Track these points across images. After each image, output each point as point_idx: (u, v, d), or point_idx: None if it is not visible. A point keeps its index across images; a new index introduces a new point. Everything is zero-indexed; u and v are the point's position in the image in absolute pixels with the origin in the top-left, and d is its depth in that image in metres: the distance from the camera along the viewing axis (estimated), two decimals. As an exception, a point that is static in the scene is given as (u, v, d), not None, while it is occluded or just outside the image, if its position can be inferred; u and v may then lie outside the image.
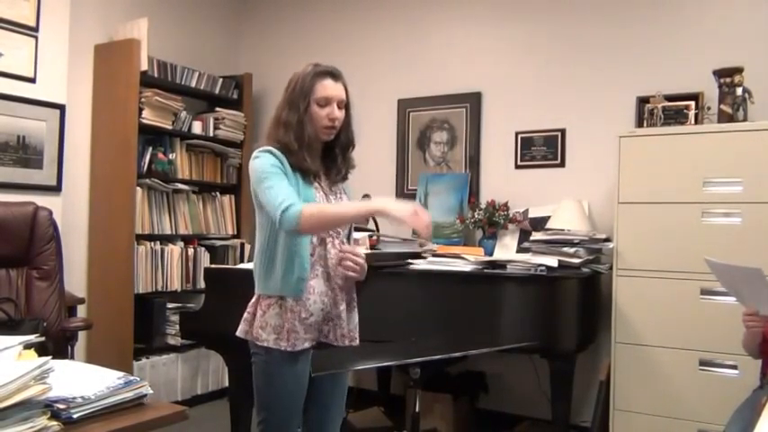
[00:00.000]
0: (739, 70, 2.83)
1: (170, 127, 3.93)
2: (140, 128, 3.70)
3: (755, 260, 2.10)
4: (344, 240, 1.94)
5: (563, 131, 3.55)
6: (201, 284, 3.67)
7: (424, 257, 3.13)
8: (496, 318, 2.75)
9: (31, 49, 3.24)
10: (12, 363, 1.30)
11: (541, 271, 2.76)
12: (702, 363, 2.74)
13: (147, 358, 3.76)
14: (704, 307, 2.73)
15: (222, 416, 3.23)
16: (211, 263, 4.11)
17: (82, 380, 1.46)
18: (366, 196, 3.52)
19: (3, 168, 3.17)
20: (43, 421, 1.27)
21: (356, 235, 2.15)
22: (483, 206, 3.55)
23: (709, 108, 2.99)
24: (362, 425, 3.48)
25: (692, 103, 3.02)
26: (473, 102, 3.81)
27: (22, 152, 3.25)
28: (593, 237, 3.03)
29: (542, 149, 3.60)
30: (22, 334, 1.64)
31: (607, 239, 3.06)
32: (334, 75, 1.90)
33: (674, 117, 3.00)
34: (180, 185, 4.00)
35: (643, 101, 3.16)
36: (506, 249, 3.46)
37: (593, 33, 3.49)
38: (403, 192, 4.01)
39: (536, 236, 3.10)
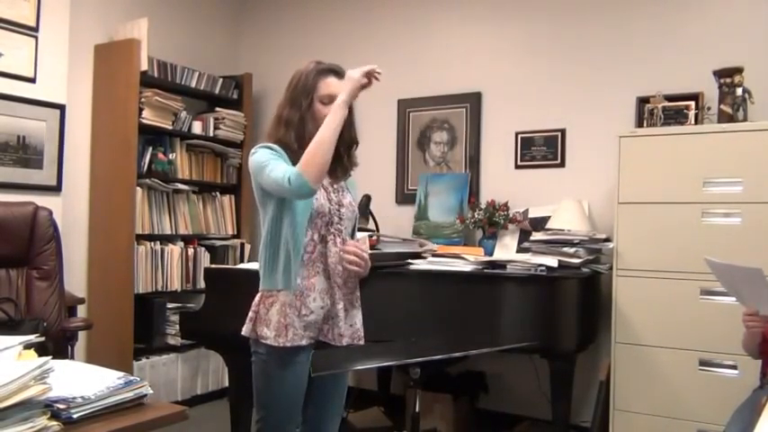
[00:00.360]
0: (739, 70, 2.83)
1: (170, 127, 3.93)
2: (140, 128, 3.70)
3: (755, 260, 2.10)
4: (347, 239, 1.93)
5: (563, 131, 3.55)
6: (201, 284, 3.67)
7: (424, 257, 3.13)
8: (496, 318, 2.75)
9: (31, 49, 3.24)
10: (12, 363, 1.30)
11: (541, 271, 2.76)
12: (702, 363, 2.74)
13: (147, 358, 3.76)
14: (704, 307, 2.73)
15: (222, 416, 3.23)
16: (211, 263, 4.11)
17: (82, 380, 1.46)
18: (366, 196, 3.53)
19: (3, 168, 3.17)
20: (43, 421, 1.27)
21: (357, 235, 2.14)
22: (483, 206, 3.55)
23: (709, 108, 2.99)
24: (362, 425, 3.48)
25: (692, 104, 3.02)
26: (473, 102, 3.81)
27: (22, 152, 3.26)
28: (593, 237, 3.03)
29: (542, 149, 3.60)
30: (22, 334, 1.64)
31: (607, 239, 3.06)
32: (338, 72, 1.89)
33: (674, 117, 3.00)
34: (180, 185, 4.00)
35: (643, 101, 3.16)
36: (506, 249, 3.46)
37: (594, 33, 3.49)
38: (403, 192, 4.01)
39: (536, 236, 3.10)
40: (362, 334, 1.96)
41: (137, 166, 3.69)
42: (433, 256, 3.11)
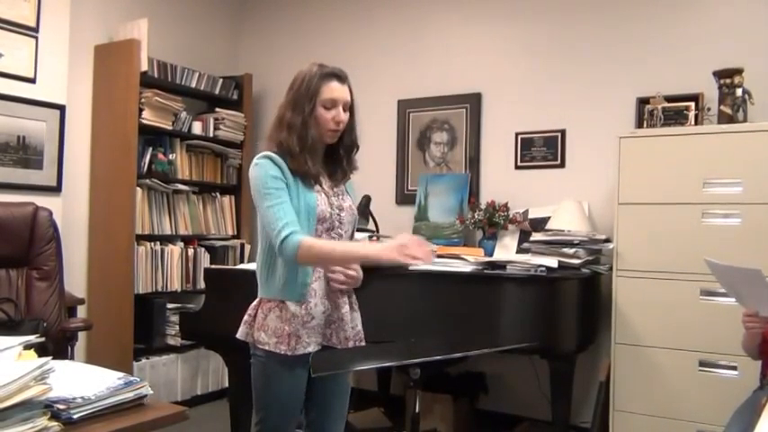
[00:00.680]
0: (739, 71, 2.83)
1: (170, 127, 3.93)
2: (140, 128, 3.70)
3: (755, 261, 2.11)
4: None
5: (563, 132, 3.55)
6: (201, 285, 3.67)
7: (424, 258, 3.12)
8: (496, 318, 2.75)
9: (31, 50, 3.24)
10: (12, 363, 1.30)
11: (541, 271, 2.76)
12: (702, 363, 2.74)
13: (147, 359, 3.76)
14: (704, 308, 2.73)
15: (222, 416, 3.23)
16: (211, 263, 4.11)
17: (82, 380, 1.46)
18: (366, 197, 3.53)
19: (3, 168, 3.17)
20: (43, 422, 1.27)
21: (356, 236, 2.14)
22: (483, 207, 3.55)
23: (709, 109, 2.99)
24: (362, 425, 3.48)
25: (692, 104, 3.02)
26: (473, 102, 3.81)
27: (22, 152, 3.26)
28: (592, 237, 3.03)
29: (542, 150, 3.60)
30: (22, 334, 1.64)
31: (607, 240, 3.06)
32: (341, 77, 1.87)
33: (674, 118, 3.00)
34: (180, 186, 4.00)
35: (643, 101, 3.16)
36: (506, 250, 3.46)
37: (593, 34, 3.49)
38: (403, 192, 4.01)
39: (536, 236, 3.10)
40: (363, 335, 1.96)
41: (137, 166, 3.69)
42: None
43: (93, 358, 3.53)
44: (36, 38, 3.26)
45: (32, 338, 1.44)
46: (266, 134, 1.93)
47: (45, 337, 2.22)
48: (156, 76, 3.84)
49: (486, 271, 2.91)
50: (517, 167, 3.67)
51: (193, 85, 4.09)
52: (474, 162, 3.80)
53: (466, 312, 2.80)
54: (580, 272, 2.90)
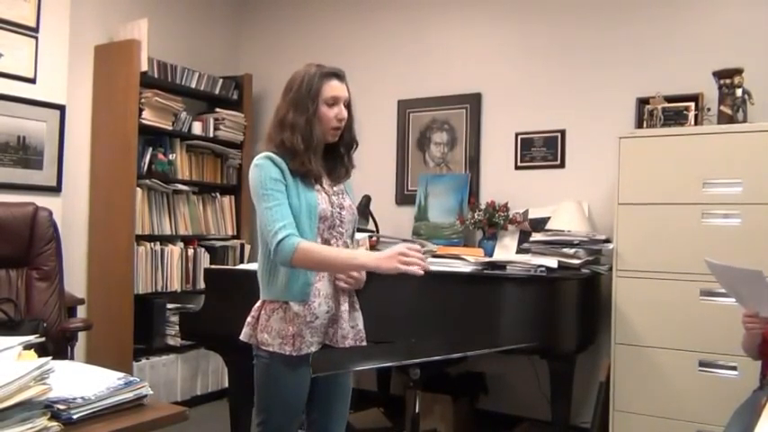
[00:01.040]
0: (739, 71, 2.83)
1: (170, 127, 3.93)
2: (140, 128, 3.70)
3: (755, 261, 2.11)
4: (348, 242, 1.94)
5: (563, 132, 3.55)
6: (201, 285, 3.67)
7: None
8: (496, 319, 2.75)
9: (31, 50, 3.24)
10: (12, 363, 1.30)
11: (541, 272, 2.76)
12: (702, 364, 2.74)
13: (147, 359, 3.76)
14: (704, 308, 2.73)
15: (222, 416, 3.23)
16: (211, 263, 4.11)
17: (82, 380, 1.46)
18: (366, 197, 3.53)
19: (3, 168, 3.17)
20: (43, 422, 1.27)
21: (357, 236, 2.14)
22: (483, 207, 3.55)
23: (708, 109, 3.00)
24: (362, 425, 3.48)
25: (692, 105, 3.02)
26: (473, 102, 3.81)
27: (22, 152, 3.26)
28: (592, 238, 3.03)
29: (542, 150, 3.60)
30: (22, 334, 1.64)
31: (607, 240, 3.06)
32: (339, 75, 1.90)
33: (674, 118, 3.00)
34: (180, 186, 4.00)
35: (643, 102, 3.16)
36: (506, 250, 3.46)
37: (593, 34, 3.49)
38: (403, 192, 4.01)
39: (536, 237, 3.10)
40: (364, 335, 1.96)
41: (137, 166, 3.69)
42: (433, 256, 3.11)
43: (93, 358, 3.53)
44: (36, 38, 3.26)
45: (32, 338, 1.44)
46: (265, 136, 1.93)
47: (45, 338, 2.22)
48: (156, 76, 3.84)
49: (486, 271, 2.91)
50: (517, 168, 3.68)
51: (193, 85, 4.09)
52: (474, 162, 3.80)
53: (466, 312, 2.80)
54: (580, 272, 2.90)
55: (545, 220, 3.34)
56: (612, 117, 3.35)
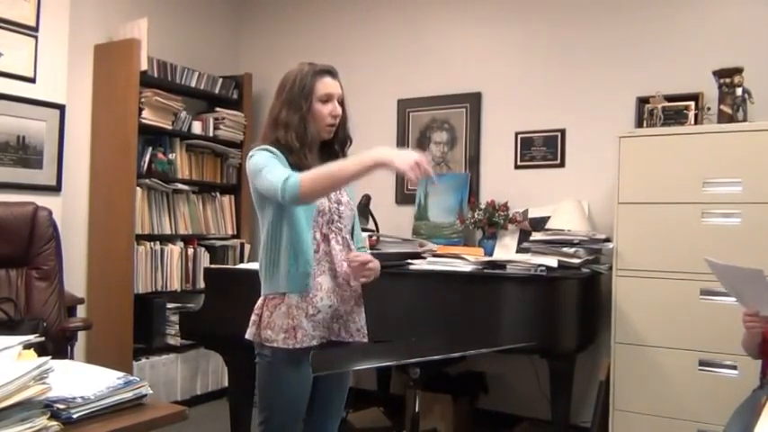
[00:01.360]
0: (739, 71, 2.83)
1: (170, 127, 3.93)
2: (140, 128, 3.70)
3: (755, 261, 2.10)
4: (347, 237, 1.94)
5: (563, 132, 3.55)
6: (201, 284, 3.67)
7: (424, 258, 3.13)
8: (496, 318, 2.75)
9: (31, 49, 3.24)
10: (11, 363, 1.30)
11: (541, 271, 2.76)
12: (702, 363, 2.74)
13: (147, 358, 3.76)
14: (704, 307, 2.73)
15: (222, 416, 3.23)
16: (211, 263, 4.11)
17: (82, 380, 1.46)
18: (366, 196, 3.53)
19: (3, 168, 3.17)
20: (43, 421, 1.27)
21: (360, 235, 2.14)
22: (483, 206, 3.55)
23: (708, 108, 2.99)
24: (362, 425, 3.48)
25: (692, 104, 3.02)
26: (473, 102, 3.81)
27: (22, 152, 3.25)
28: (592, 237, 3.03)
29: (542, 150, 3.60)
30: (22, 334, 1.64)
31: (607, 240, 3.06)
32: (332, 73, 1.92)
33: (674, 117, 3.00)
34: (180, 185, 3.99)
35: (643, 101, 3.16)
36: (506, 249, 3.46)
37: (593, 34, 3.49)
38: (403, 192, 4.01)
39: (536, 236, 3.10)
40: (366, 331, 1.97)
41: (137, 166, 3.69)
42: (433, 256, 3.11)
43: (92, 358, 3.53)
44: (36, 38, 3.26)
45: (32, 338, 1.44)
46: (261, 134, 1.94)
47: (45, 337, 2.22)
48: (155, 75, 3.84)
49: (486, 271, 2.90)
50: (517, 167, 3.67)
51: (193, 84, 4.09)
52: (474, 162, 3.80)
53: (466, 312, 2.80)
54: (580, 271, 2.90)
55: (545, 220, 3.34)
56: (612, 116, 3.35)
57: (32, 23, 3.24)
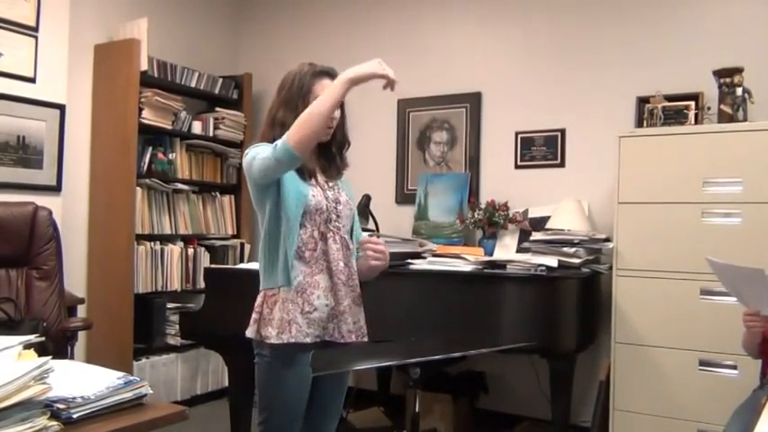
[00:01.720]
0: (739, 70, 2.83)
1: (170, 127, 3.93)
2: (140, 128, 3.70)
3: (755, 260, 2.10)
4: (345, 237, 1.93)
5: (563, 131, 3.55)
6: (201, 284, 3.67)
7: (424, 257, 3.13)
8: (496, 318, 2.75)
9: (31, 49, 3.24)
10: (12, 363, 1.30)
11: (541, 271, 2.76)
12: (702, 363, 2.74)
13: (147, 358, 3.76)
14: (704, 307, 2.73)
15: (222, 416, 3.23)
16: (211, 263, 4.11)
17: (82, 380, 1.46)
18: (366, 196, 3.53)
19: (3, 168, 3.17)
20: (43, 421, 1.27)
21: (362, 234, 2.14)
22: (483, 206, 3.54)
23: (709, 108, 2.99)
24: (362, 425, 3.49)
25: (692, 104, 3.02)
26: (473, 102, 3.81)
27: (22, 152, 3.25)
28: (592, 237, 3.03)
29: (542, 149, 3.60)
30: (22, 334, 1.64)
31: (607, 239, 3.06)
32: (331, 74, 1.91)
33: (674, 117, 3.00)
34: (180, 185, 4.00)
35: (643, 101, 3.16)
36: (506, 249, 3.46)
37: (593, 33, 3.49)
38: (403, 192, 4.01)
39: (536, 236, 3.10)
40: (366, 331, 1.96)
41: (137, 166, 3.69)
42: (433, 256, 3.12)
43: (92, 358, 3.54)
44: (36, 38, 3.26)
45: (32, 338, 1.44)
46: (259, 134, 1.94)
47: (45, 337, 2.22)
48: (155, 75, 3.84)
49: (486, 270, 2.91)
50: (517, 167, 3.67)
51: (193, 84, 4.09)
52: (474, 161, 3.80)
53: (466, 312, 2.80)
54: (580, 271, 2.90)
55: (545, 220, 3.34)
56: (612, 116, 3.35)
57: (32, 23, 3.25)
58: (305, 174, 1.87)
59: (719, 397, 2.60)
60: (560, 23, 3.58)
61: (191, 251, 4.03)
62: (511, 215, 3.48)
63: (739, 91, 2.81)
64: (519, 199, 3.55)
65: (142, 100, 3.72)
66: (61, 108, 3.40)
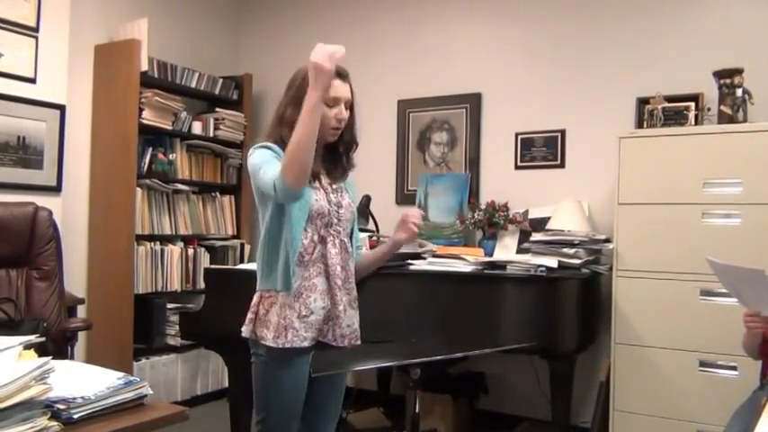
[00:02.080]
0: (739, 71, 2.83)
1: (170, 127, 3.93)
2: (140, 128, 3.70)
3: (755, 261, 2.10)
4: (345, 240, 1.93)
5: (563, 132, 3.55)
6: (201, 285, 3.66)
7: (424, 258, 3.13)
8: (496, 318, 2.75)
9: (31, 50, 3.24)
10: (12, 363, 1.30)
11: (541, 272, 2.76)
12: (702, 363, 2.74)
13: (147, 358, 3.76)
14: (704, 308, 2.73)
15: (222, 416, 3.23)
16: (211, 263, 4.11)
17: (82, 380, 1.46)
18: (366, 197, 3.53)
19: (3, 168, 3.17)
20: (43, 421, 1.27)
21: (359, 235, 2.14)
22: (483, 207, 3.55)
23: (709, 109, 3.00)
24: (362, 425, 3.49)
25: (692, 104, 3.03)
26: (473, 102, 3.81)
27: (22, 152, 3.26)
28: (592, 237, 3.03)
29: (542, 150, 3.60)
30: (22, 334, 1.64)
31: (607, 240, 3.06)
32: (342, 75, 1.87)
33: (674, 118, 3.00)
34: (180, 186, 3.99)
35: (643, 102, 3.16)
36: (506, 250, 3.46)
37: (593, 34, 3.49)
38: (403, 192, 4.01)
39: (536, 236, 3.10)
40: (359, 335, 1.96)
41: (137, 166, 3.69)
42: (433, 256, 3.11)
43: (93, 358, 3.53)
44: (36, 38, 3.26)
45: (32, 338, 1.44)
46: (264, 131, 1.92)
47: (45, 337, 2.21)
48: (156, 75, 3.84)
49: (486, 271, 2.91)
50: (517, 167, 3.68)
51: (193, 84, 4.09)
52: (474, 162, 3.80)
53: (466, 312, 2.80)
54: (580, 272, 2.90)
55: (545, 220, 3.34)
56: (612, 117, 3.36)
57: (32, 24, 3.25)
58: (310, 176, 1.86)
59: (719, 398, 2.60)
60: (560, 24, 3.59)
61: (191, 251, 4.03)
62: (511, 216, 3.48)
63: (739, 92, 2.81)
64: (519, 200, 3.55)
65: (142, 100, 3.72)
66: (61, 108, 3.40)
